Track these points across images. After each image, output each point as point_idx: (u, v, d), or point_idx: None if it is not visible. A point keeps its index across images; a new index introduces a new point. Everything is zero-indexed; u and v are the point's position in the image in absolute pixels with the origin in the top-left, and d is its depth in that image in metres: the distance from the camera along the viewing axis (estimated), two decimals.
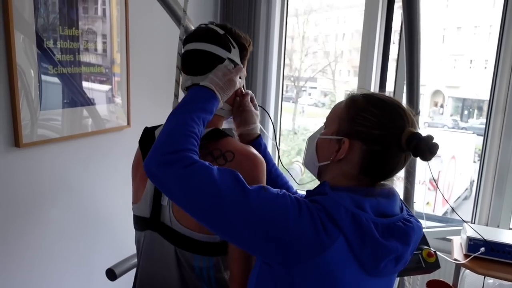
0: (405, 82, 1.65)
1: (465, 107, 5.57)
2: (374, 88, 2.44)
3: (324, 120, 1.01)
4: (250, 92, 1.19)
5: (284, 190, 0.88)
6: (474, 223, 2.37)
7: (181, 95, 1.11)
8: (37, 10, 1.61)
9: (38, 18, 1.62)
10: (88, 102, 1.90)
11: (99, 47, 1.93)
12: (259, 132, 1.22)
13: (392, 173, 0.93)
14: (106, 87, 2.00)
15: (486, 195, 2.34)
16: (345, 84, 5.16)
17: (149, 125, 1.19)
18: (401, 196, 2.04)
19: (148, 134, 1.16)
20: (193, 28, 1.29)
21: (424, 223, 2.24)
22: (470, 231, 1.90)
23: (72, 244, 1.93)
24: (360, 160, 0.90)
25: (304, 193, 0.98)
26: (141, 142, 1.16)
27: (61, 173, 1.84)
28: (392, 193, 0.93)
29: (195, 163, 0.86)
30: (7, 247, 1.66)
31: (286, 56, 2.79)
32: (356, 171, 0.91)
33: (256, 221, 0.82)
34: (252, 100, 1.20)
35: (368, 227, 0.84)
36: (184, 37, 1.10)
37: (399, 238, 0.88)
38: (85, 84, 1.88)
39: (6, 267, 1.66)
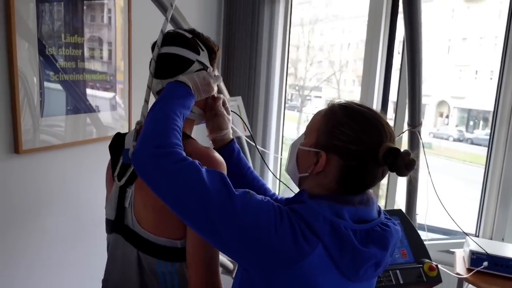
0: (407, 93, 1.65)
1: (470, 117, 5.54)
2: (377, 98, 2.42)
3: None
4: (222, 96, 1.20)
5: (268, 198, 0.89)
6: (478, 236, 2.34)
7: (152, 100, 1.10)
8: (40, 17, 1.62)
9: (42, 25, 1.64)
10: (91, 109, 1.91)
11: (105, 54, 1.95)
12: (231, 137, 1.23)
13: (369, 186, 0.94)
14: (110, 95, 2.01)
15: (490, 208, 2.31)
16: (349, 94, 5.16)
17: None
18: (403, 209, 2.03)
19: (118, 140, 1.16)
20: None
21: (426, 234, 2.23)
22: (473, 244, 1.87)
23: (71, 253, 1.92)
24: (337, 174, 0.90)
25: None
26: (111, 146, 1.17)
27: (62, 180, 1.84)
28: (370, 199, 0.94)
29: (185, 159, 0.87)
30: (4, 254, 1.65)
31: (291, 65, 2.78)
32: (334, 184, 0.91)
33: (239, 225, 0.82)
34: (224, 104, 1.20)
35: (347, 235, 0.84)
36: (160, 43, 1.09)
37: (378, 243, 0.88)
38: (88, 91, 1.89)
39: (3, 274, 1.65)
